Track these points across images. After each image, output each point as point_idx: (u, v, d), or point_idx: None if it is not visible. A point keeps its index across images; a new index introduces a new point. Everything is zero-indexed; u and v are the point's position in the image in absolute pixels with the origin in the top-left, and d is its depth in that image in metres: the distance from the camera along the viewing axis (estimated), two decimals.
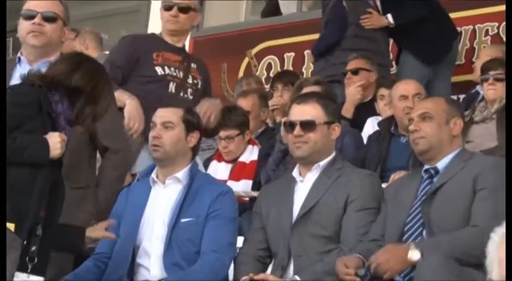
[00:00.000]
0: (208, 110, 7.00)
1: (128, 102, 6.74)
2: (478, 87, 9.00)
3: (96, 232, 5.36)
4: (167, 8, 7.18)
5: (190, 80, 7.07)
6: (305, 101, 6.03)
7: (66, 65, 5.26)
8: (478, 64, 9.07)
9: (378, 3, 9.86)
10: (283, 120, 6.40)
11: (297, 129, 5.82)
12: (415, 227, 5.33)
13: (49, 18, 5.88)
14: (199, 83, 7.13)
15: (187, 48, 11.51)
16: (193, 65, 7.26)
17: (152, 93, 6.86)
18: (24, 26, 5.91)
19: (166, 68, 6.92)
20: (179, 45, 7.38)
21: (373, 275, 5.06)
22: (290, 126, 5.89)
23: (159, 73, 6.90)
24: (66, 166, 5.55)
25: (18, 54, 6.07)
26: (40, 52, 5.97)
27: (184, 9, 7.18)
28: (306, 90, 7.45)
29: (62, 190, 5.18)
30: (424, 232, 5.29)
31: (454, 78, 9.68)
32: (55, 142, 5.26)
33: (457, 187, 5.30)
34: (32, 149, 5.07)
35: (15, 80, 5.64)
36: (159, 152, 5.84)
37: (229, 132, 8.01)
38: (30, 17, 5.87)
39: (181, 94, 6.99)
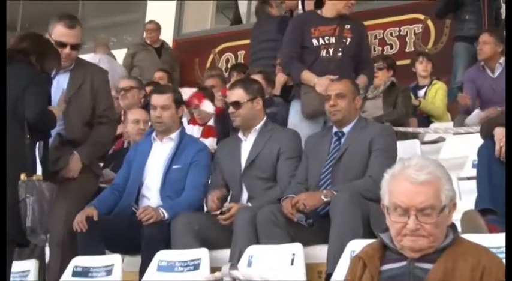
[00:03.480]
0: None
1: (316, 81, 6.24)
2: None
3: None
4: None
5: (340, 40, 6.37)
6: (232, 87, 6.07)
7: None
8: None
9: None
10: None
11: (231, 108, 5.86)
12: (327, 177, 5.33)
13: None
14: (348, 40, 6.38)
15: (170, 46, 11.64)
16: (347, 26, 6.40)
17: (309, 61, 6.38)
18: None
19: (320, 39, 6.36)
20: (332, 15, 6.45)
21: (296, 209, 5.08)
22: (228, 106, 5.98)
23: (315, 44, 6.36)
24: None
25: None
26: None
27: None
28: (252, 76, 7.48)
29: None
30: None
31: None
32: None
33: (357, 149, 5.33)
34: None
35: None
36: (162, 127, 5.88)
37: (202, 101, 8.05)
38: None
39: (331, 55, 6.34)
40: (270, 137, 5.78)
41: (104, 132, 5.84)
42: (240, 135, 5.93)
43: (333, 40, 6.36)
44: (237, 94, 5.87)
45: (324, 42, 6.35)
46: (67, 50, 5.64)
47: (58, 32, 5.65)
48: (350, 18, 6.58)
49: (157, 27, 11.36)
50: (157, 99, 5.93)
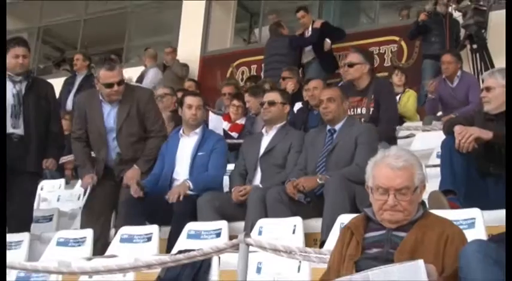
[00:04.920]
0: None
1: None
2: (342, 83, 9.01)
3: None
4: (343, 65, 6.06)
5: (368, 112, 5.97)
6: (271, 90, 6.18)
7: None
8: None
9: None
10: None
11: (265, 105, 5.86)
12: (322, 165, 5.29)
13: None
14: (371, 110, 5.94)
15: (197, 63, 11.63)
16: (372, 96, 5.97)
17: None
18: None
19: (349, 111, 5.86)
20: (361, 87, 6.06)
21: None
22: (262, 103, 5.95)
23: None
24: None
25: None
26: None
27: (351, 65, 6.07)
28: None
29: None
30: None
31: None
32: None
33: (346, 143, 5.29)
34: None
35: None
36: (195, 121, 5.86)
37: (240, 103, 8.09)
38: None
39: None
40: (286, 135, 5.76)
41: (154, 144, 5.84)
42: (263, 130, 5.94)
43: (359, 111, 6.04)
44: (274, 96, 5.91)
45: (352, 113, 5.99)
46: (115, 87, 5.66)
47: (103, 76, 5.66)
48: (377, 79, 6.29)
49: (172, 51, 11.30)
50: (193, 100, 5.90)
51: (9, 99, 5.86)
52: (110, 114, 5.79)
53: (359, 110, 6.05)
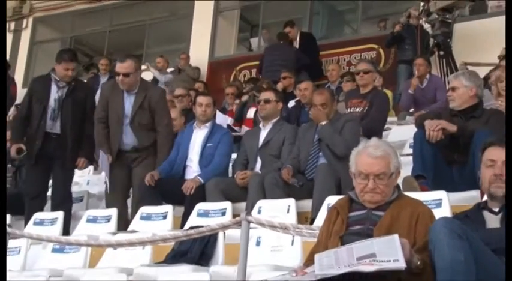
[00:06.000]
0: None
1: None
2: (329, 84, 8.99)
3: None
4: (355, 72, 6.29)
5: (363, 110, 5.96)
6: (266, 90, 6.17)
7: None
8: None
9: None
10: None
11: (261, 103, 5.85)
12: (314, 153, 5.28)
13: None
14: (365, 108, 5.95)
15: (206, 67, 11.58)
16: (370, 100, 6.00)
17: None
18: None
19: (348, 109, 6.08)
20: (364, 92, 6.12)
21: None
22: (259, 102, 5.94)
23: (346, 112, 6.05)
24: None
25: None
26: None
27: (366, 72, 6.14)
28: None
29: None
30: (319, 154, 5.26)
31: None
32: None
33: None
34: None
35: None
36: (205, 117, 5.84)
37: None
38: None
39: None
40: (280, 129, 5.73)
41: (163, 140, 5.75)
42: (261, 125, 5.90)
43: (357, 110, 6.02)
44: (269, 94, 5.89)
45: (351, 111, 6.05)
46: (120, 77, 5.62)
47: (116, 66, 5.70)
48: (377, 90, 6.36)
49: (185, 57, 11.21)
50: (203, 99, 5.88)
51: (51, 103, 5.86)
52: (127, 102, 5.74)
53: (357, 109, 6.05)
